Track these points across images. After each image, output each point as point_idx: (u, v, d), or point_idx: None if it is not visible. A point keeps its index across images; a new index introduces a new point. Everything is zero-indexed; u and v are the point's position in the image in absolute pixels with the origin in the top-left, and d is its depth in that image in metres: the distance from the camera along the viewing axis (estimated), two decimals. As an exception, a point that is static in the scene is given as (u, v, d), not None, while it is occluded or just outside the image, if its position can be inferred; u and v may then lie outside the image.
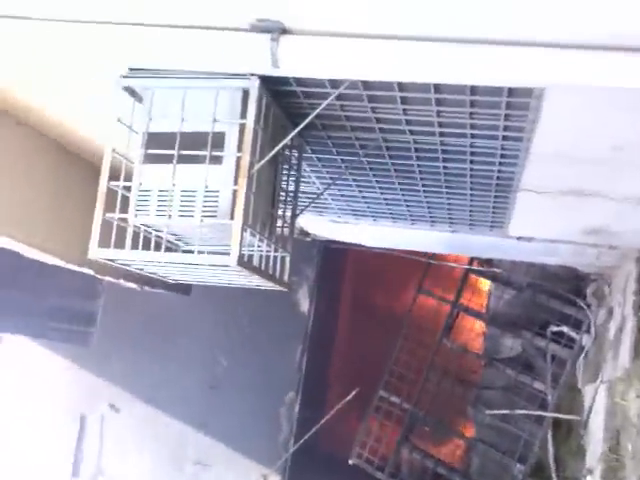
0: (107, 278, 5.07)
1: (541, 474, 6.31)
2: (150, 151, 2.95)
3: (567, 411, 6.32)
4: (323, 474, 6.97)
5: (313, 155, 3.67)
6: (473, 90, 2.75)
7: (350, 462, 6.75)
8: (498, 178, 3.63)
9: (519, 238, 5.05)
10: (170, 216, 2.97)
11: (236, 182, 2.84)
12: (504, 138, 3.15)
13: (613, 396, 5.63)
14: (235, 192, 2.84)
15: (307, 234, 6.13)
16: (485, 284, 7.06)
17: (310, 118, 2.97)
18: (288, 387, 7.19)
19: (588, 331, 6.21)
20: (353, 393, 6.92)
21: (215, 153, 2.89)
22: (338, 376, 8.15)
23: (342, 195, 4.31)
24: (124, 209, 3.03)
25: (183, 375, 7.35)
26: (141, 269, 3.36)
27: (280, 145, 3.04)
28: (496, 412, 6.47)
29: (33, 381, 7.72)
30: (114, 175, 2.99)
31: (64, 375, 7.62)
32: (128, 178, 3.01)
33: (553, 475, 6.23)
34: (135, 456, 7.27)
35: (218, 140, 2.90)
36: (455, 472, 6.63)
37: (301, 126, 3.01)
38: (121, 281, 5.16)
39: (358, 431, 6.85)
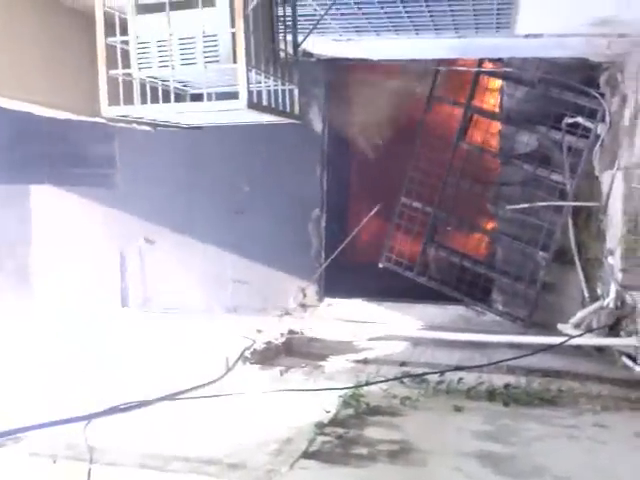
0: (120, 124, 5.11)
1: (564, 258, 6.58)
2: (142, 1, 2.91)
3: (586, 199, 6.48)
4: (355, 280, 7.30)
5: (306, -21, 3.57)
6: None
7: (380, 266, 7.08)
8: (499, -20, 3.52)
9: (527, 36, 4.95)
10: (173, 66, 2.98)
11: (233, 24, 2.81)
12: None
13: (630, 181, 5.76)
14: (234, 34, 2.82)
15: (310, 55, 6.03)
16: (497, 84, 6.96)
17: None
18: (312, 205, 7.35)
19: (603, 120, 6.22)
20: (375, 209, 7.10)
21: (206, -5, 2.84)
22: (359, 190, 8.32)
23: (341, 14, 4.21)
24: (126, 64, 3.04)
25: (209, 205, 7.54)
26: (153, 119, 3.42)
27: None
28: (517, 206, 6.63)
29: (67, 228, 7.99)
30: (109, 30, 2.97)
31: (96, 218, 7.87)
32: (124, 32, 3.00)
33: (575, 258, 6.50)
34: (176, 282, 7.67)
35: (208, -19, 2.84)
36: (480, 264, 6.95)
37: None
38: (134, 126, 5.20)
39: (385, 237, 7.12)
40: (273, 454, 3.89)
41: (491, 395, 4.81)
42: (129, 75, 3.06)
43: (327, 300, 7.36)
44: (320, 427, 4.24)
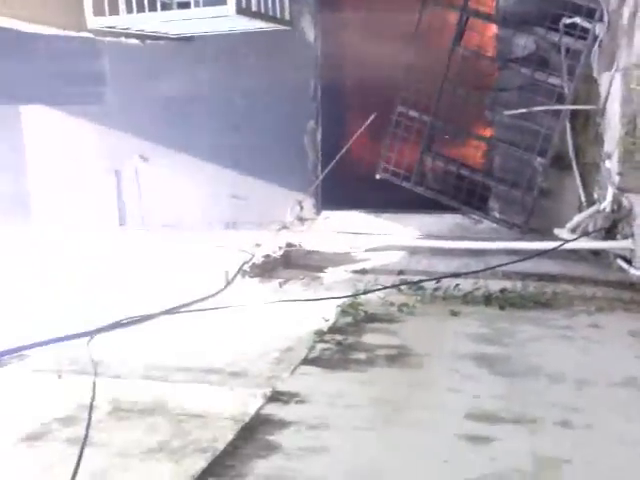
0: (108, 39, 5.02)
1: (561, 163, 6.55)
2: None
3: (584, 102, 6.39)
4: (353, 192, 7.29)
5: None
6: None
7: (377, 177, 7.05)
8: None
9: None
10: None
11: None
12: None
13: (629, 83, 5.66)
14: None
15: (299, -45, 5.85)
16: (493, -17, 6.75)
17: None
18: (307, 117, 7.29)
19: (601, 19, 6.07)
20: (371, 118, 6.99)
21: None
22: (354, 100, 8.18)
23: None
24: None
25: (203, 121, 7.47)
26: (141, 30, 3.34)
27: None
28: (514, 112, 6.55)
29: (61, 146, 7.94)
30: None
31: (89, 137, 7.81)
32: None
33: (573, 163, 6.48)
34: (173, 199, 7.67)
35: None
36: (477, 172, 6.92)
37: None
38: (122, 39, 5.12)
39: (381, 148, 7.06)
40: (274, 362, 3.98)
41: (487, 300, 4.88)
42: (111, -17, 2.97)
43: (324, 213, 7.38)
44: (319, 335, 4.32)
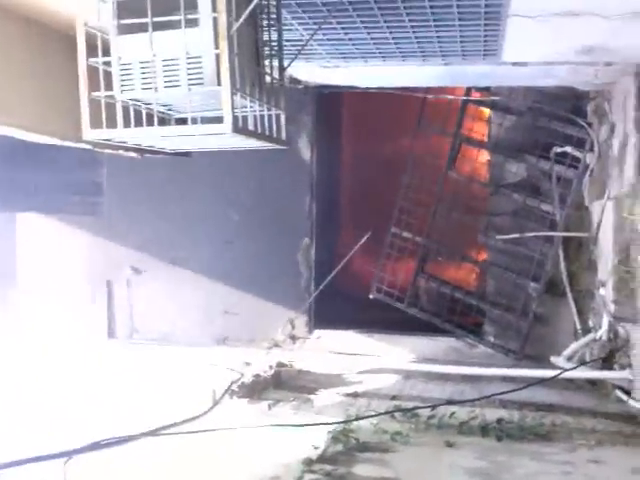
0: (106, 151, 5.03)
1: (555, 290, 6.51)
2: (123, 21, 2.84)
3: (576, 229, 6.43)
4: (346, 311, 7.21)
5: (292, 1, 3.52)
6: None
7: (370, 297, 6.99)
8: (486, 6, 3.48)
9: (514, 64, 4.96)
10: (156, 88, 2.90)
11: (217, 45, 2.75)
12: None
13: (621, 211, 5.70)
14: (218, 56, 2.76)
15: (298, 82, 6.03)
16: (485, 113, 6.94)
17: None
18: (301, 234, 7.29)
19: (591, 149, 6.19)
20: (365, 237, 7.00)
21: (190, 16, 2.77)
22: (348, 219, 8.25)
23: (328, 39, 4.18)
24: (109, 86, 2.97)
25: (197, 234, 7.46)
26: (138, 144, 3.34)
27: None
28: (507, 237, 6.57)
29: (53, 255, 7.88)
30: (92, 50, 2.90)
31: (82, 247, 7.76)
32: (107, 53, 2.92)
33: (567, 290, 6.43)
34: (164, 312, 7.54)
35: (191, 2, 2.78)
36: (471, 295, 6.86)
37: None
38: (121, 152, 5.13)
39: (375, 268, 7.03)
40: (260, 492, 3.76)
41: (484, 430, 4.68)
42: (112, 98, 2.98)
43: (317, 332, 7.24)
44: (308, 464, 4.09)
